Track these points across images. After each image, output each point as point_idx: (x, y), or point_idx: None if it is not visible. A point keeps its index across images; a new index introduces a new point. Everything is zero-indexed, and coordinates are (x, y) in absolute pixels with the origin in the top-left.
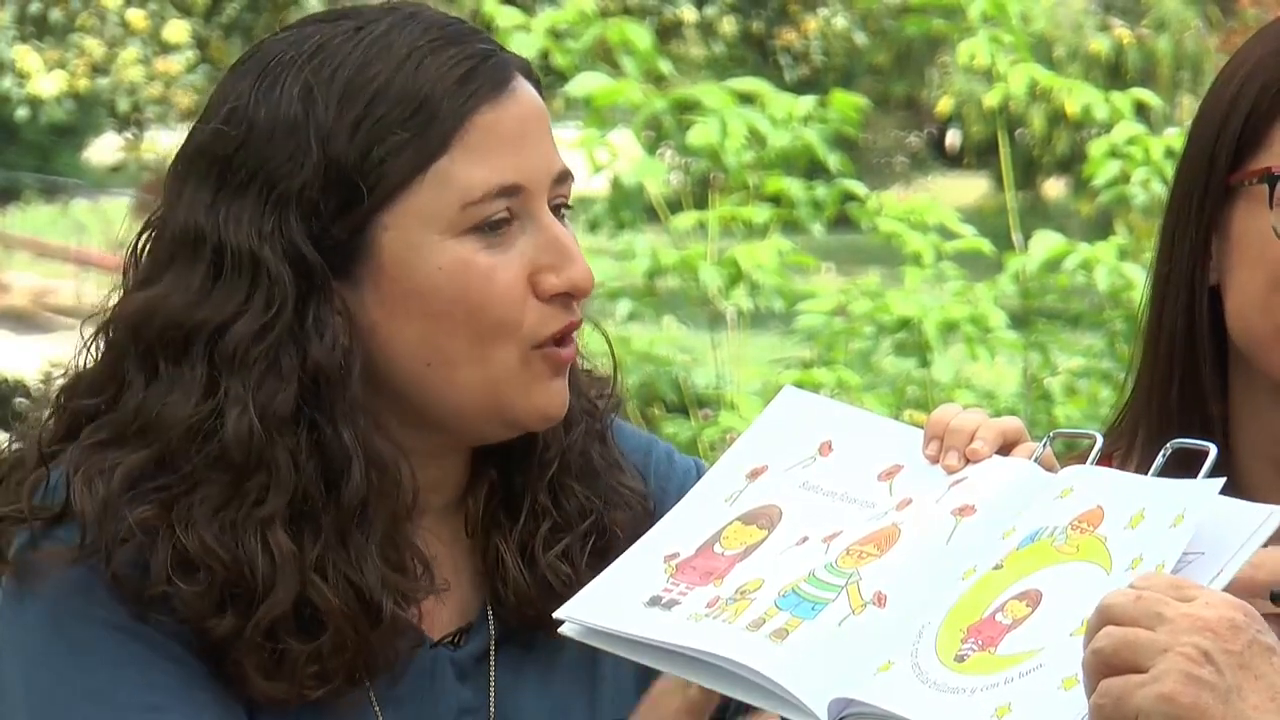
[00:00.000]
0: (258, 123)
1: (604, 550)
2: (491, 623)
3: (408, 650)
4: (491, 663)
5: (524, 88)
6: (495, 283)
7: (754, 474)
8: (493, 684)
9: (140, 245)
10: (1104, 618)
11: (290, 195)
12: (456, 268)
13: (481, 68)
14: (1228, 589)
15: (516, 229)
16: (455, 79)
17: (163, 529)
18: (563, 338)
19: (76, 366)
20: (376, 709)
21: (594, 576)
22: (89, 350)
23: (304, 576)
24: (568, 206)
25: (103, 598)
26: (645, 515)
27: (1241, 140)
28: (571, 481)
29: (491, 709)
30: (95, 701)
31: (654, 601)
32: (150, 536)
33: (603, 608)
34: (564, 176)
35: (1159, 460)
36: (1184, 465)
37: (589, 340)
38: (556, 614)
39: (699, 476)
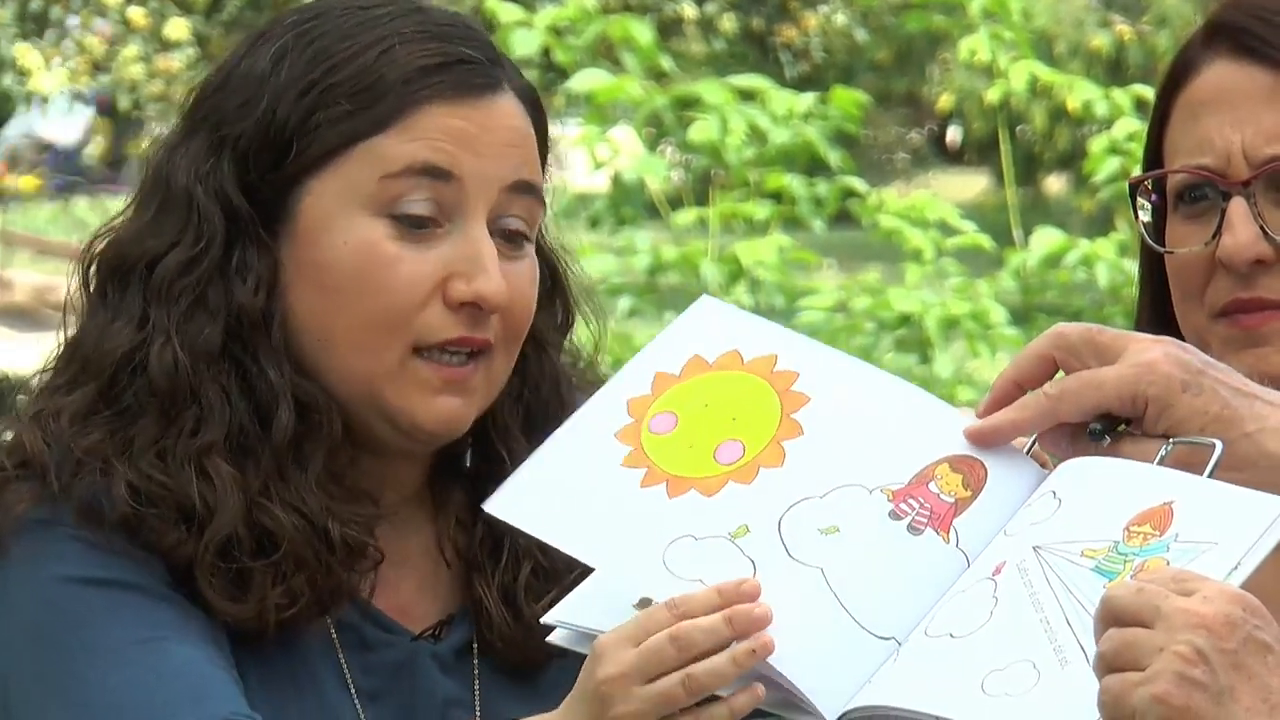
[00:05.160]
0: (234, 74)
1: None
2: (472, 616)
3: (367, 614)
4: (474, 656)
5: (504, 103)
6: (394, 273)
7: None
8: (476, 677)
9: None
10: (1107, 610)
11: (228, 141)
12: (360, 247)
13: (453, 67)
14: (1245, 584)
15: (444, 233)
16: (418, 68)
17: (108, 458)
18: (460, 349)
19: (65, 337)
20: (357, 705)
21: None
22: (79, 310)
23: (249, 499)
24: (526, 238)
25: (74, 556)
26: None
27: (1150, 145)
28: None
29: (477, 702)
30: (90, 651)
31: (644, 604)
32: (102, 463)
33: (591, 610)
34: (522, 188)
35: (1161, 452)
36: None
37: (583, 336)
38: (544, 619)
39: None
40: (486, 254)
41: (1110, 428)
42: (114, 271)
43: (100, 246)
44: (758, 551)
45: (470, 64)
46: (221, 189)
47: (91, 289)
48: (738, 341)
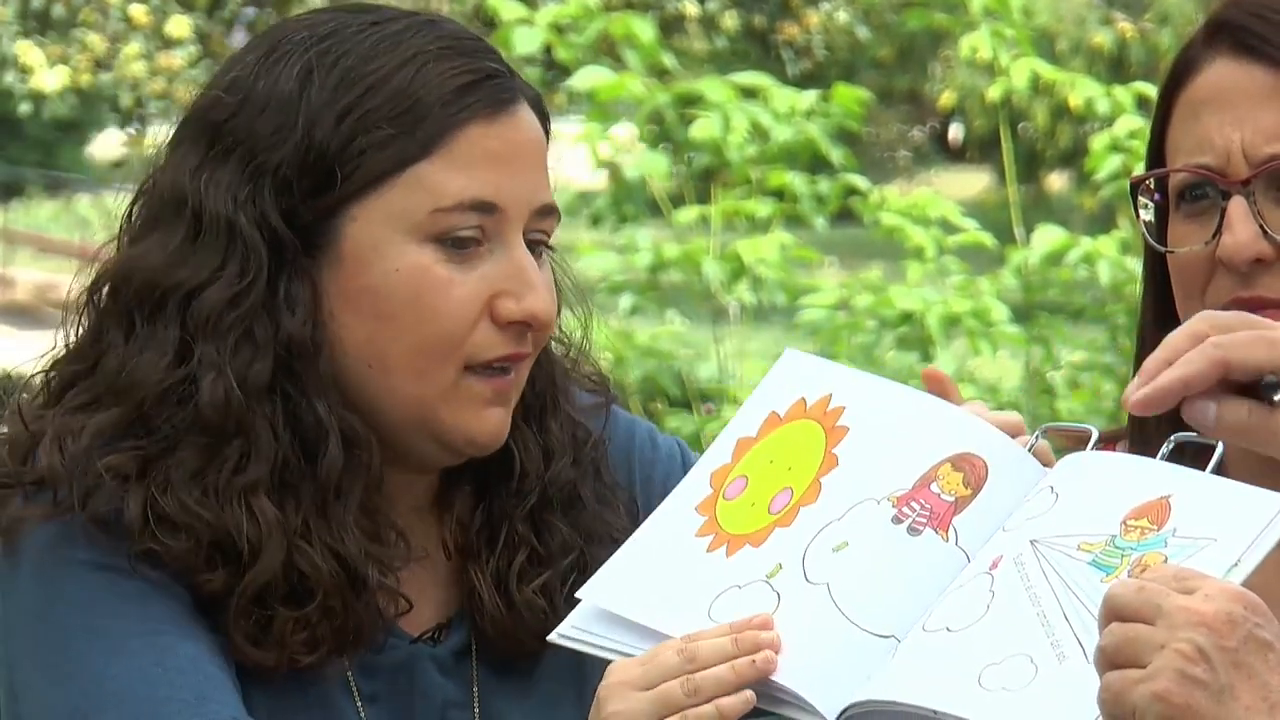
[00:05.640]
0: (254, 94)
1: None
2: (468, 612)
3: (383, 639)
4: (473, 659)
5: (526, 115)
6: (449, 297)
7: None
8: (476, 680)
9: (132, 207)
10: (1109, 608)
11: (268, 168)
12: (413, 273)
13: (484, 84)
14: (1246, 582)
15: (485, 251)
16: (454, 88)
17: (134, 479)
18: (505, 365)
19: (66, 340)
20: (359, 706)
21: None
22: (80, 316)
23: (290, 543)
24: (548, 246)
25: (86, 542)
26: None
27: (1153, 144)
28: (554, 517)
29: (476, 704)
30: (94, 635)
31: None
32: (121, 483)
33: (599, 623)
34: (547, 210)
35: (1164, 450)
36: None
37: (599, 338)
38: (550, 637)
39: (683, 457)
40: (532, 272)
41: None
42: (142, 301)
43: (113, 268)
44: (784, 585)
45: (496, 78)
46: (264, 218)
47: (106, 313)
48: (804, 389)
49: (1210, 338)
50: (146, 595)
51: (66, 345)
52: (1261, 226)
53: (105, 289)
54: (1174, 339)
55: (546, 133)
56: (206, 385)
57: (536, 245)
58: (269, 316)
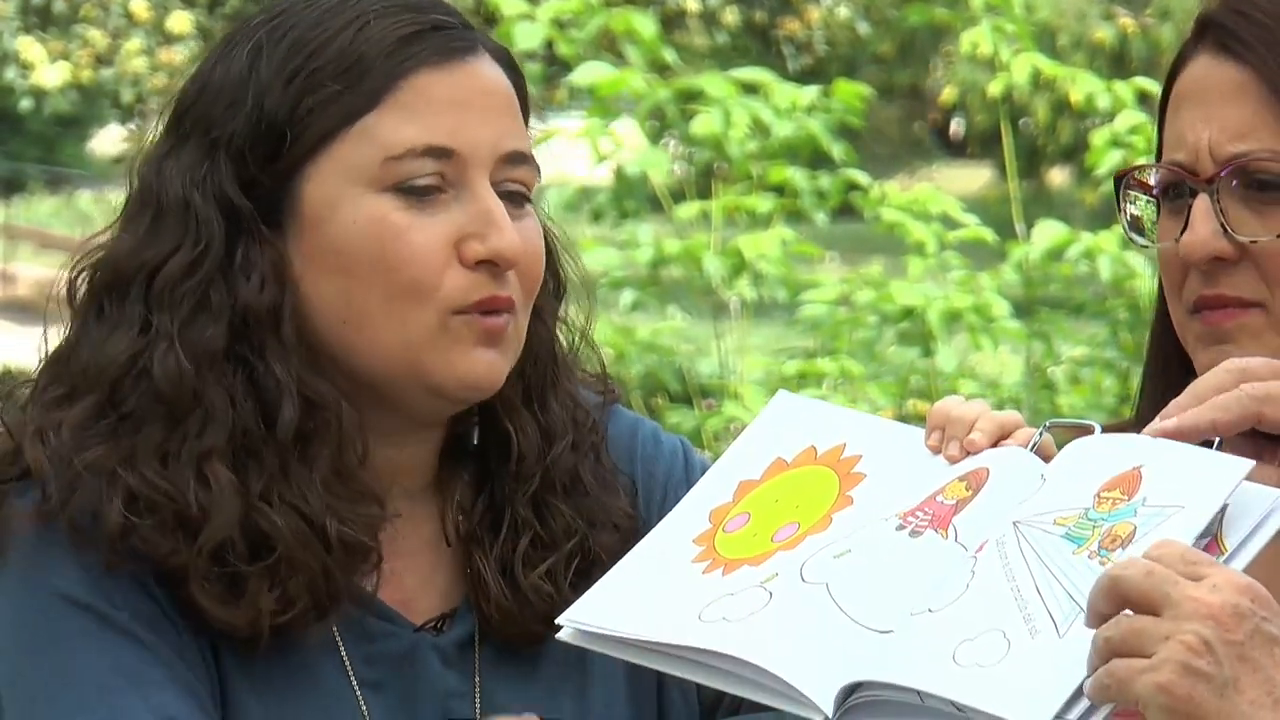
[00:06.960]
0: (212, 80)
1: (588, 572)
2: (472, 601)
3: (369, 603)
4: (476, 649)
5: (484, 65)
6: (410, 242)
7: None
8: (478, 670)
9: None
10: (1115, 590)
11: (221, 142)
12: (371, 223)
13: (430, 34)
14: (1247, 569)
15: (449, 198)
16: (397, 39)
17: (110, 470)
18: (491, 309)
19: (46, 346)
20: (359, 694)
21: (576, 597)
22: (74, 318)
23: (248, 504)
24: (527, 199)
25: (64, 569)
26: (634, 537)
27: (1157, 141)
28: (557, 501)
29: (477, 695)
30: (57, 675)
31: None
32: (101, 479)
33: (603, 611)
34: (517, 159)
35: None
36: None
37: (600, 333)
38: (558, 620)
39: (685, 456)
40: (496, 211)
41: None
42: (110, 287)
43: (88, 265)
44: (778, 586)
45: (446, 29)
46: (220, 190)
47: (81, 306)
48: (814, 436)
49: (1243, 386)
50: (111, 642)
51: (47, 352)
52: (1222, 225)
53: (83, 286)
54: (1200, 387)
55: (520, 87)
56: (159, 356)
57: (514, 196)
58: (226, 284)
